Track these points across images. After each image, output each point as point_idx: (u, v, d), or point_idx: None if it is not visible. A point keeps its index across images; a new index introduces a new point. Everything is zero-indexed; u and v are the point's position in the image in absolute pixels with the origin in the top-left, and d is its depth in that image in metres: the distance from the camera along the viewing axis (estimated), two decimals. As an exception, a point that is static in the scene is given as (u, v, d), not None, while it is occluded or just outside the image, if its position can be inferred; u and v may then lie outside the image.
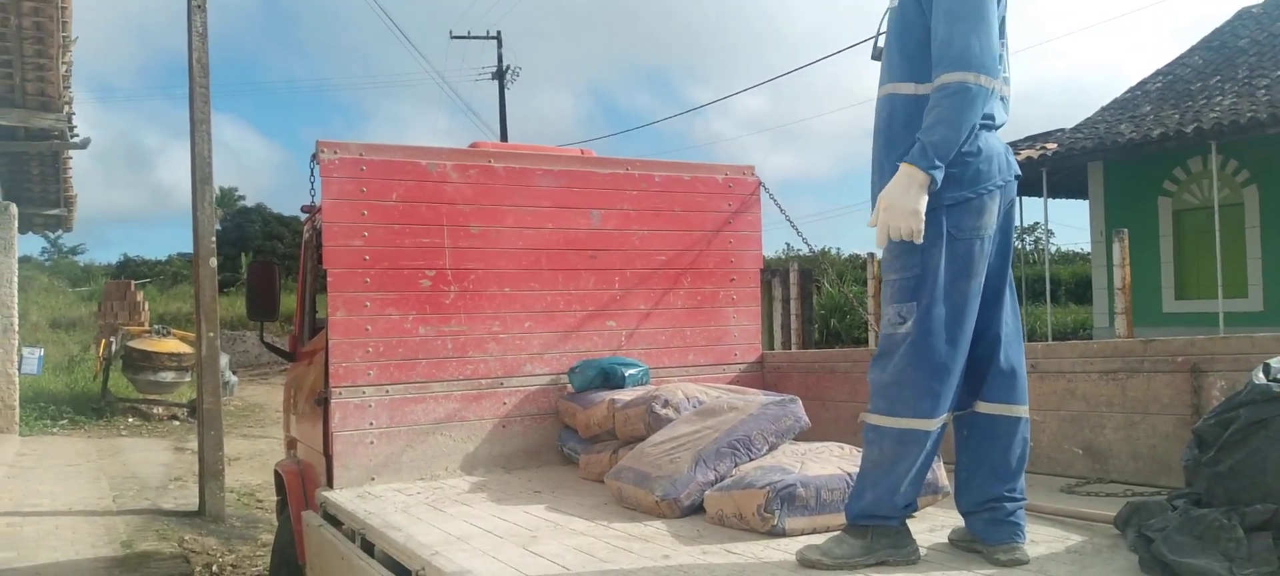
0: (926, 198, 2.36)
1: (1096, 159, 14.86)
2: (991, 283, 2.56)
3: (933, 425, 2.46)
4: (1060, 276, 24.72)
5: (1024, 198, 17.25)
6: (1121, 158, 14.51)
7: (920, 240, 2.37)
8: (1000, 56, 2.50)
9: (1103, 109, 16.22)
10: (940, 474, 3.02)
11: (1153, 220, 14.66)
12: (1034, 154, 14.81)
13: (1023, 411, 2.61)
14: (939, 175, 2.36)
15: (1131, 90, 16.44)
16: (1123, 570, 2.33)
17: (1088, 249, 19.44)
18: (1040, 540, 2.63)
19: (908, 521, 2.56)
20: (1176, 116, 13.81)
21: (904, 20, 2.54)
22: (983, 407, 2.61)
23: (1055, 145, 15.07)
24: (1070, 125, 16.16)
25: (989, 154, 2.47)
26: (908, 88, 2.53)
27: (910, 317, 2.44)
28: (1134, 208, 14.73)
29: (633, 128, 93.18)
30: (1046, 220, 21.71)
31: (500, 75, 29.75)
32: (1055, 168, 15.01)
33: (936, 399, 2.44)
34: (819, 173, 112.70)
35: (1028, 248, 26.82)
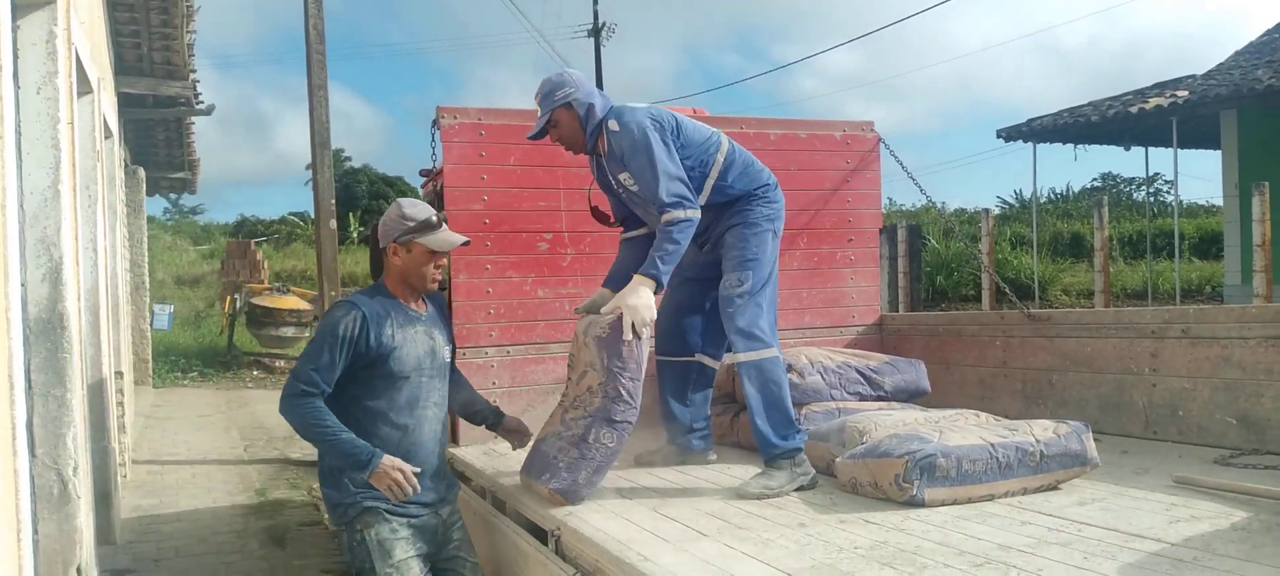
0: (655, 298, 3.19)
1: (1230, 107, 13.93)
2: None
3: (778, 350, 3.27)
4: (1183, 231, 23.39)
5: (1149, 148, 16.37)
6: (1258, 106, 13.58)
7: (649, 332, 3.22)
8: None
9: (1237, 53, 15.19)
10: (1090, 445, 2.89)
11: (1292, 172, 13.71)
12: (1163, 102, 13.97)
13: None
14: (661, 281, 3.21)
15: (1270, 33, 15.33)
16: (1297, 551, 2.19)
17: (1210, 202, 18.38)
18: (1202, 515, 2.50)
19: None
20: (1321, 60, 12.84)
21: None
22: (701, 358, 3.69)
23: (1186, 93, 14.19)
24: (1201, 71, 15.20)
25: (774, 184, 3.47)
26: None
27: (748, 281, 3.27)
28: (1271, 159, 13.79)
29: (722, 85, 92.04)
30: (1176, 172, 20.50)
31: (596, 32, 29.61)
32: (1185, 117, 14.15)
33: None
34: (917, 127, 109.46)
35: (1148, 199, 25.48)
